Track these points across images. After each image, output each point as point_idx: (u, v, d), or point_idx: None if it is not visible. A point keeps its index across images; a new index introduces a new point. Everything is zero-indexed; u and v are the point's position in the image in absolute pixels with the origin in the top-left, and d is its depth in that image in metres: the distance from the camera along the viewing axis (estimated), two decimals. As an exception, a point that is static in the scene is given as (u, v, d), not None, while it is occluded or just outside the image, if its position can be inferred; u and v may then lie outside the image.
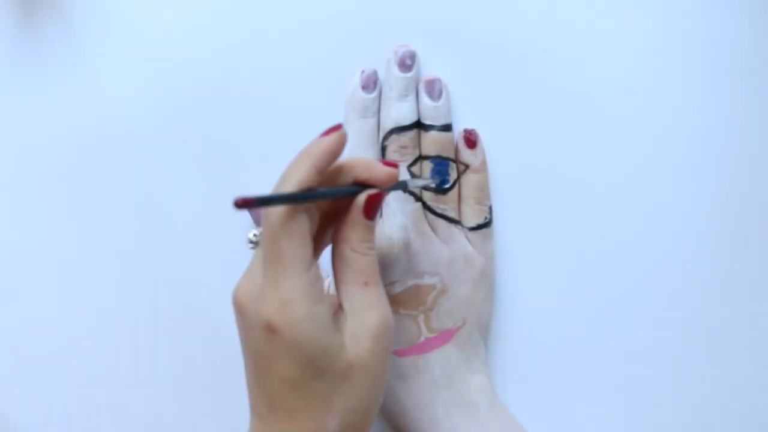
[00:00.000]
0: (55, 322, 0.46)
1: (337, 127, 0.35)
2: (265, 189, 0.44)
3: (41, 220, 0.45)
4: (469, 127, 0.43)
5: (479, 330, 0.43)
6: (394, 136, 0.42)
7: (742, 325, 0.44)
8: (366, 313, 0.34)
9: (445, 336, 0.42)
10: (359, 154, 0.43)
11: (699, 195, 0.44)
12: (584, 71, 0.43)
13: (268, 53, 0.44)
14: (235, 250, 0.45)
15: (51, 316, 0.46)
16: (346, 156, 0.43)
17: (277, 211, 0.32)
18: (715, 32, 0.43)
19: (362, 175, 0.36)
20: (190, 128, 0.44)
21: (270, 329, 0.32)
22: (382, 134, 0.43)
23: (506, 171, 0.44)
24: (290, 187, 0.33)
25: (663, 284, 0.44)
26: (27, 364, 0.46)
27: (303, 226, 0.33)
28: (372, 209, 0.36)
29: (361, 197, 0.35)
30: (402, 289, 0.41)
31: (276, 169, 0.44)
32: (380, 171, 0.36)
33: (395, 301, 0.41)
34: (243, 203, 0.29)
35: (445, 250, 0.42)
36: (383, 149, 0.43)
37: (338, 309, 0.35)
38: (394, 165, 0.37)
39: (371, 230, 0.36)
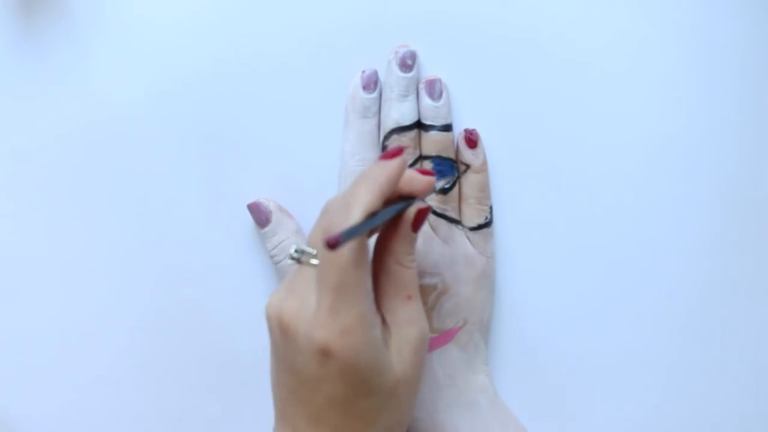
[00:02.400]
0: (55, 322, 0.46)
1: (399, 151, 0.36)
2: (265, 188, 0.44)
3: (42, 219, 0.45)
4: (470, 127, 0.43)
5: (480, 330, 0.43)
6: (394, 136, 0.42)
7: (742, 324, 0.44)
8: (408, 327, 0.35)
9: (447, 336, 0.42)
10: (361, 154, 0.43)
11: (699, 196, 0.44)
12: (584, 71, 0.44)
13: (269, 53, 0.44)
14: (235, 250, 0.45)
15: (51, 316, 0.46)
16: (348, 155, 0.43)
17: (349, 243, 0.32)
18: (715, 32, 0.43)
19: (404, 189, 0.36)
20: (191, 128, 0.44)
21: (326, 354, 0.32)
22: (382, 134, 0.43)
23: (506, 171, 0.44)
24: (360, 215, 0.32)
25: (663, 284, 0.44)
26: (27, 364, 0.46)
27: (366, 254, 0.33)
28: (420, 223, 0.36)
29: (411, 211, 0.36)
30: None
31: (276, 168, 0.44)
32: (421, 182, 0.36)
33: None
34: (334, 243, 0.29)
35: (446, 251, 0.42)
36: (384, 149, 0.43)
37: (384, 324, 0.35)
38: (431, 173, 0.37)
39: (414, 243, 0.36)
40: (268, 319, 0.35)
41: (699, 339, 0.44)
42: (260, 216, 0.43)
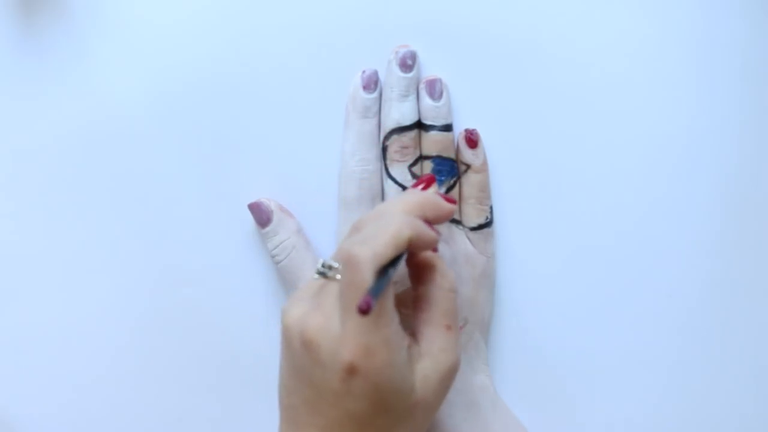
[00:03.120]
0: (55, 322, 0.46)
1: (432, 180, 0.38)
2: (266, 188, 0.44)
3: (42, 219, 0.45)
4: (471, 126, 0.43)
5: (480, 330, 0.43)
6: (395, 137, 0.42)
7: (742, 324, 0.44)
8: (441, 357, 0.35)
9: (447, 336, 0.42)
10: (361, 154, 0.43)
11: (699, 196, 0.44)
12: (584, 71, 0.44)
13: (269, 54, 0.44)
14: (236, 250, 0.45)
15: (51, 316, 0.46)
16: (348, 155, 0.43)
17: (371, 269, 0.32)
18: (715, 32, 0.43)
19: (430, 215, 0.37)
20: (191, 128, 0.44)
21: (351, 372, 0.33)
22: (383, 134, 0.43)
23: (507, 171, 0.44)
24: (390, 250, 0.33)
25: (663, 284, 0.44)
26: (27, 364, 0.46)
27: (390, 279, 0.33)
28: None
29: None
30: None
31: (276, 168, 0.44)
32: (446, 210, 0.37)
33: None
34: (366, 308, 0.30)
35: (446, 250, 0.42)
36: (384, 149, 0.43)
37: (411, 343, 0.35)
38: (453, 201, 0.38)
39: (445, 262, 0.37)
40: (288, 329, 0.35)
41: (699, 339, 0.44)
42: (261, 216, 0.43)
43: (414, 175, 0.42)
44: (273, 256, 0.44)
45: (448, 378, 0.35)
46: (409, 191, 0.39)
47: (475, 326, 0.43)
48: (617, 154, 0.44)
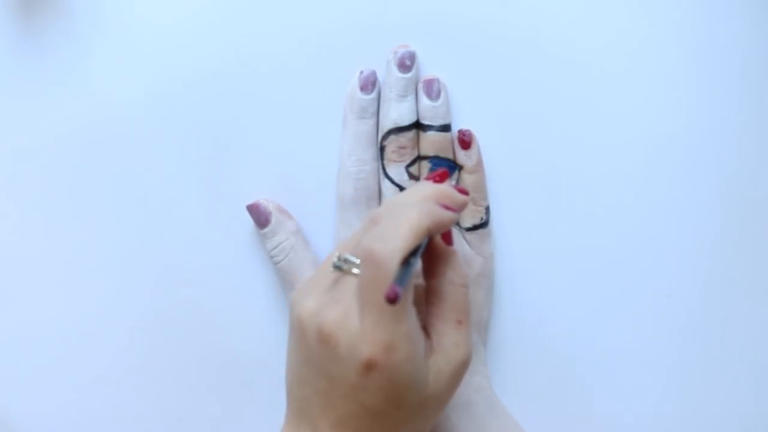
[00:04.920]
0: (55, 322, 0.46)
1: (445, 175, 0.37)
2: (265, 189, 0.44)
3: (42, 219, 0.45)
4: (470, 126, 0.43)
5: (478, 330, 0.43)
6: (392, 137, 0.42)
7: (742, 324, 0.44)
8: (453, 351, 0.35)
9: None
10: (358, 154, 0.43)
11: (699, 196, 0.44)
12: (583, 72, 0.43)
13: (268, 54, 0.44)
14: (235, 250, 0.45)
15: (51, 316, 0.46)
16: (346, 155, 0.43)
17: (392, 264, 0.32)
18: (715, 32, 0.43)
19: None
20: (191, 128, 0.44)
21: (369, 367, 0.33)
22: (381, 134, 0.43)
23: (505, 171, 0.44)
24: (410, 243, 0.33)
25: (662, 283, 0.44)
26: (27, 364, 0.46)
27: (414, 268, 0.33)
28: (450, 234, 0.37)
29: None
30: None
31: (275, 169, 0.44)
32: (460, 201, 0.37)
33: None
34: (394, 297, 0.30)
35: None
36: (382, 149, 0.43)
37: (426, 339, 0.35)
38: (466, 192, 0.38)
39: (456, 257, 0.37)
40: (302, 322, 0.34)
41: (699, 339, 0.44)
42: (260, 217, 0.43)
43: (411, 176, 0.42)
44: (272, 257, 0.44)
45: (460, 372, 0.35)
46: (423, 182, 0.38)
47: (472, 327, 0.43)
48: (617, 154, 0.44)
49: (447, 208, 0.36)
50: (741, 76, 0.43)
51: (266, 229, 0.43)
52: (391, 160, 0.42)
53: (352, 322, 0.33)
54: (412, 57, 0.42)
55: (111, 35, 0.44)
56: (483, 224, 0.43)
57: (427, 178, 0.39)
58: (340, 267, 0.35)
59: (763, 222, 0.44)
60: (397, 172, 0.42)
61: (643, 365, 0.45)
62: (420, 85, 0.43)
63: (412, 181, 0.43)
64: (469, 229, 0.43)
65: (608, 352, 0.44)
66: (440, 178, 0.38)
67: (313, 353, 0.34)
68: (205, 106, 0.44)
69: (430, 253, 0.37)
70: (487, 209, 0.43)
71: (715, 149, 0.44)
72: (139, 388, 0.46)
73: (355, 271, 0.34)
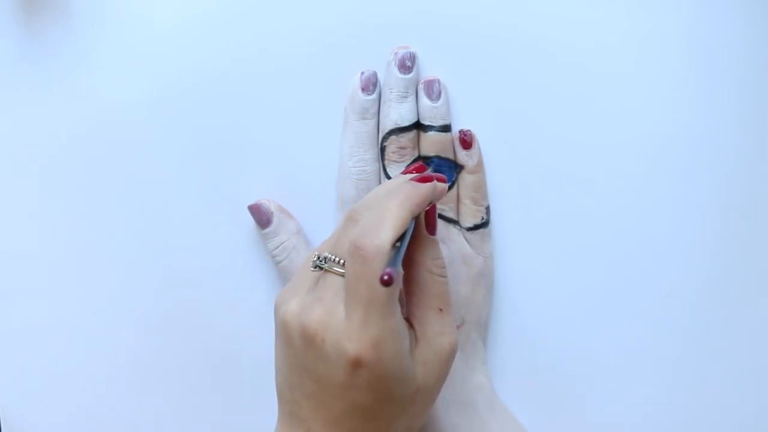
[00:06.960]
0: (56, 322, 0.46)
1: (430, 179, 0.37)
2: (266, 189, 0.44)
3: (43, 220, 0.45)
4: (468, 127, 0.43)
5: (478, 329, 0.43)
6: (393, 137, 0.42)
7: (742, 324, 0.44)
8: (437, 339, 0.35)
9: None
10: (359, 155, 0.43)
11: (699, 196, 0.44)
12: (583, 72, 0.43)
13: (269, 55, 0.44)
14: (236, 251, 0.45)
15: (52, 316, 0.46)
16: (346, 156, 0.43)
17: (381, 258, 0.32)
18: (715, 32, 0.43)
19: (423, 200, 0.36)
20: (191, 128, 0.44)
21: (357, 365, 0.33)
22: (381, 135, 0.43)
23: (506, 171, 0.44)
24: (395, 232, 0.33)
25: (662, 283, 0.44)
26: (27, 364, 0.46)
27: (404, 251, 0.33)
28: (434, 224, 0.37)
29: (421, 216, 0.36)
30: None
31: (276, 169, 0.44)
32: (441, 190, 0.37)
33: None
34: (389, 279, 0.30)
35: (443, 250, 0.42)
36: (382, 150, 0.43)
37: (409, 329, 0.35)
38: (443, 180, 0.38)
39: (437, 246, 0.37)
40: (286, 324, 0.34)
41: (699, 339, 0.44)
42: (261, 217, 0.43)
43: (412, 176, 0.42)
44: (273, 257, 0.44)
45: (447, 361, 0.35)
46: (406, 184, 0.37)
47: (472, 326, 0.43)
48: (617, 154, 0.44)
49: (423, 180, 0.36)
50: (741, 76, 0.43)
51: (268, 230, 0.43)
52: (391, 160, 0.42)
53: (337, 320, 0.33)
54: (412, 58, 0.42)
55: (111, 36, 0.44)
56: (483, 224, 0.43)
57: (403, 172, 0.39)
58: (321, 266, 0.35)
59: (763, 222, 0.44)
60: (398, 172, 0.42)
61: (643, 365, 0.45)
62: (420, 86, 0.43)
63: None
64: (469, 229, 0.43)
65: (608, 351, 0.44)
66: (416, 171, 0.39)
67: (299, 355, 0.34)
68: (206, 107, 0.44)
69: (409, 242, 0.36)
70: (488, 209, 0.43)
71: (714, 149, 0.44)
72: (140, 387, 0.46)
73: (337, 269, 0.34)
